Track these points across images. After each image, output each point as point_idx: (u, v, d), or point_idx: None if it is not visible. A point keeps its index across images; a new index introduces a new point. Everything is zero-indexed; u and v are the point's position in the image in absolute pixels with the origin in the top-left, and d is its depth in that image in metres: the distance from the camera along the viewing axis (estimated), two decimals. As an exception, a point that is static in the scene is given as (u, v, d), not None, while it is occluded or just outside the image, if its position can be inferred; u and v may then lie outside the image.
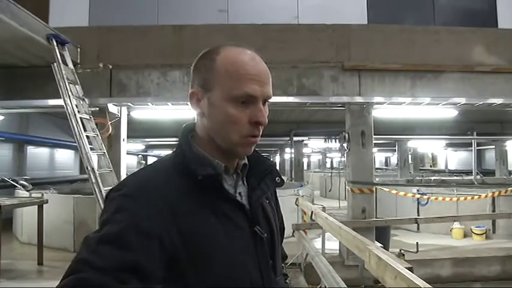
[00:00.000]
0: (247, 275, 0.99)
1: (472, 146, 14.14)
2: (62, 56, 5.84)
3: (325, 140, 12.93)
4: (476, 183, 12.66)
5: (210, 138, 1.03)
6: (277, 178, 1.16)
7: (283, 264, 1.38)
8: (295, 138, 14.12)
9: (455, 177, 16.52)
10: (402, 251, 5.32)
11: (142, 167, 1.11)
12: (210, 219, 0.96)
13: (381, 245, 6.57)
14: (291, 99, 6.92)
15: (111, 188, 0.99)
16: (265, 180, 1.12)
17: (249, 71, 0.99)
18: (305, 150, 19.42)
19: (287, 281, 1.36)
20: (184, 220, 0.92)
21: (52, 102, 6.61)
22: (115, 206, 0.89)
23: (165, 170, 1.01)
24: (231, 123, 0.99)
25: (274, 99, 7.02)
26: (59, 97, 5.67)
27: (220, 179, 1.00)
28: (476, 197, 9.15)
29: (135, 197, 0.90)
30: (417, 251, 7.33)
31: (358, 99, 6.93)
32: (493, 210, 9.08)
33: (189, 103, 1.06)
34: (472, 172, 14.60)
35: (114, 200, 0.91)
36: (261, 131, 1.03)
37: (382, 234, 7.37)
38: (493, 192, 9.17)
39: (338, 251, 7.26)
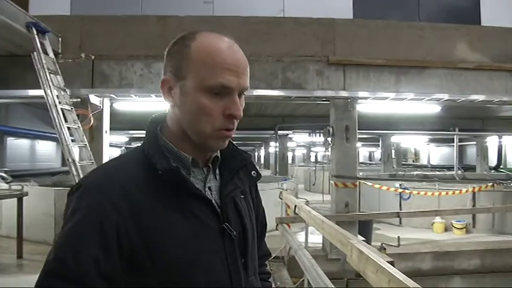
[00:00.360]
0: (213, 276, 0.94)
1: (454, 142, 14.35)
2: (42, 45, 5.68)
3: (310, 134, 12.97)
4: (457, 178, 12.87)
5: (181, 129, 0.98)
6: (253, 172, 1.10)
7: (266, 262, 1.34)
8: (279, 132, 14.13)
9: (437, 172, 16.78)
10: (384, 245, 5.36)
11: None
12: (172, 215, 0.92)
13: (363, 238, 6.64)
14: (275, 92, 6.90)
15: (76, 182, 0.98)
16: (238, 174, 1.07)
17: (225, 60, 0.93)
18: (290, 144, 19.45)
19: (269, 279, 1.32)
20: (143, 215, 0.89)
21: (32, 92, 6.47)
22: (74, 202, 0.90)
23: (129, 163, 0.98)
24: (203, 114, 0.93)
25: (259, 92, 7.03)
26: (39, 87, 5.52)
27: (181, 174, 0.94)
28: (457, 191, 9.32)
29: (92, 191, 0.89)
30: (398, 245, 7.42)
31: (343, 93, 6.94)
32: (474, 205, 9.26)
33: (160, 90, 0.99)
34: (453, 167, 14.83)
35: (73, 195, 0.91)
36: (236, 124, 0.98)
37: (364, 228, 7.44)
38: (474, 188, 9.33)
39: (321, 245, 7.30)
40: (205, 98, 0.93)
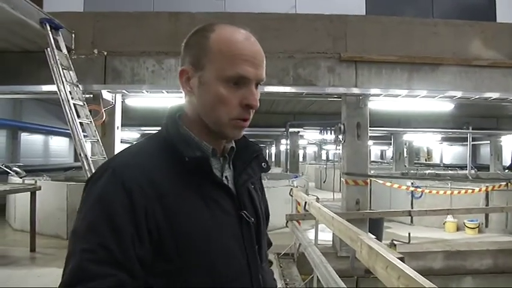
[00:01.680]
0: (233, 260, 0.97)
1: (467, 141, 14.17)
2: (56, 41, 5.76)
3: (321, 131, 12.91)
4: (470, 177, 12.69)
5: (199, 118, 1.00)
6: (263, 163, 1.13)
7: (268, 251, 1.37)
8: (290, 130, 14.10)
9: (449, 171, 16.59)
10: (394, 242, 5.32)
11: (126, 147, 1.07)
12: (195, 201, 0.94)
13: (374, 237, 6.59)
14: (287, 89, 6.88)
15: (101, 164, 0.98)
16: (251, 165, 1.10)
17: (243, 51, 0.95)
18: (301, 142, 19.41)
19: (270, 268, 1.36)
20: (168, 199, 0.90)
21: (45, 88, 6.54)
22: (102, 186, 0.89)
23: (151, 149, 0.99)
24: (221, 103, 0.96)
25: (270, 88, 7.00)
26: (52, 83, 5.61)
27: (209, 162, 0.97)
28: (470, 191, 9.18)
29: (121, 175, 0.89)
30: (409, 241, 7.36)
31: (355, 90, 6.90)
32: (487, 205, 9.12)
33: (179, 80, 1.01)
34: (466, 166, 14.65)
35: (101, 179, 0.90)
36: (251, 115, 1.00)
37: (375, 226, 7.38)
38: (487, 187, 9.20)
39: (331, 242, 7.27)
40: (223, 88, 0.95)
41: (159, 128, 1.05)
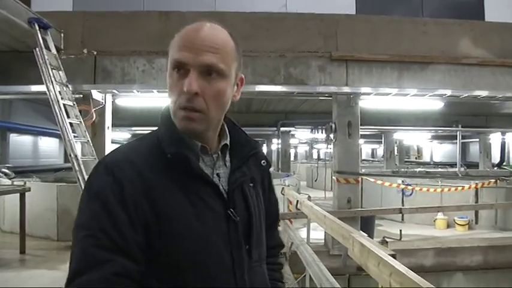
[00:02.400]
0: (215, 257, 0.97)
1: (457, 139, 14.29)
2: (45, 40, 5.70)
3: (312, 130, 12.93)
4: (460, 175, 12.81)
5: None
6: (262, 161, 1.13)
7: (278, 253, 1.35)
8: (282, 129, 14.10)
9: (439, 169, 16.72)
10: (385, 239, 5.35)
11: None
12: (180, 198, 0.95)
13: (365, 234, 6.63)
14: (278, 88, 6.89)
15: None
16: (248, 163, 1.09)
17: (183, 39, 0.97)
18: (292, 141, 19.42)
19: (280, 271, 1.33)
20: (156, 195, 0.93)
21: (35, 88, 6.48)
22: (95, 180, 0.95)
23: (143, 146, 1.02)
24: (170, 93, 0.98)
25: (261, 88, 7.01)
26: (41, 83, 5.54)
27: (188, 159, 0.97)
28: (460, 188, 9.26)
29: (112, 169, 0.93)
30: (400, 238, 7.40)
31: (346, 89, 6.93)
32: (476, 202, 9.22)
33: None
34: (456, 164, 14.78)
35: (95, 174, 0.96)
36: (201, 105, 0.95)
37: (367, 224, 7.42)
38: (476, 184, 9.29)
39: (323, 241, 7.29)
40: (170, 77, 0.98)
41: (150, 128, 1.07)
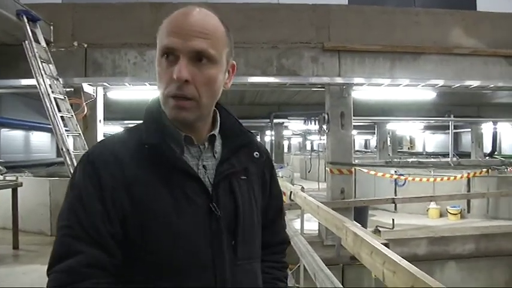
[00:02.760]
0: (194, 253, 0.93)
1: (449, 129, 14.38)
2: (34, 33, 5.62)
3: (305, 121, 12.94)
4: (452, 164, 12.91)
5: None
6: (255, 153, 1.07)
7: (283, 250, 1.26)
8: (275, 121, 14.09)
9: (432, 159, 16.83)
10: (378, 228, 5.39)
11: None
12: (161, 192, 0.93)
13: (359, 225, 6.67)
14: (270, 79, 6.86)
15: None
16: (238, 155, 1.04)
17: (172, 24, 0.93)
18: (285, 132, 19.44)
19: (285, 270, 1.25)
20: (135, 187, 0.92)
21: (25, 82, 6.40)
22: (77, 172, 0.95)
23: (127, 137, 1.00)
24: (159, 80, 0.95)
25: (254, 79, 6.98)
26: (31, 76, 5.48)
27: (165, 149, 0.94)
28: (452, 178, 9.35)
29: (93, 161, 0.94)
30: (393, 227, 7.46)
31: (338, 80, 6.92)
32: (468, 191, 9.31)
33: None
34: (448, 154, 14.88)
35: (79, 166, 0.96)
36: (192, 93, 0.92)
37: (360, 215, 7.47)
38: (468, 173, 9.38)
39: (317, 232, 7.33)
40: (159, 64, 0.94)
41: (141, 121, 1.04)
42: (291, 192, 5.66)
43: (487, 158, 16.19)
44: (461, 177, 9.31)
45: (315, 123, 11.03)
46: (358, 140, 35.29)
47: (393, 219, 7.55)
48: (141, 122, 1.03)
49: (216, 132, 1.04)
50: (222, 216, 0.97)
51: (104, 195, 0.90)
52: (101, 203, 0.89)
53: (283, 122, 15.30)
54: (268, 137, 18.78)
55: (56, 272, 0.86)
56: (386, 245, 2.01)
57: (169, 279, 0.91)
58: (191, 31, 0.91)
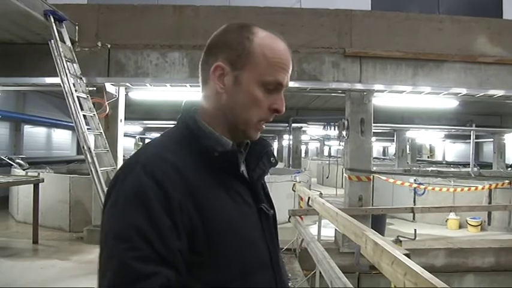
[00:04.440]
0: (257, 252, 0.99)
1: (470, 138, 14.11)
2: (60, 33, 5.74)
3: (324, 127, 12.88)
4: (473, 175, 12.66)
5: (222, 114, 1.00)
6: (272, 158, 1.15)
7: None
8: (293, 125, 14.05)
9: (452, 169, 16.53)
10: (399, 238, 5.30)
11: (143, 144, 1.05)
12: (222, 194, 0.96)
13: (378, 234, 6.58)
14: (291, 83, 6.78)
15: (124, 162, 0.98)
16: (263, 160, 1.11)
17: (283, 60, 1.00)
18: (303, 137, 19.36)
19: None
20: (198, 194, 0.91)
21: (49, 80, 6.53)
22: (133, 183, 0.87)
23: (173, 144, 0.97)
24: (255, 105, 0.99)
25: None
26: (56, 75, 5.60)
27: (237, 157, 1.00)
28: (473, 188, 9.14)
29: (152, 171, 0.88)
30: (415, 237, 7.32)
31: (359, 86, 6.87)
32: (489, 202, 9.09)
33: (211, 75, 0.99)
34: (469, 164, 14.59)
35: (130, 176, 0.89)
36: None
37: (377, 223, 7.36)
38: (490, 185, 9.15)
39: (333, 238, 7.26)
40: (259, 91, 0.98)
41: (161, 122, 1.04)
42: (309, 198, 5.62)
43: (509, 169, 15.83)
44: (483, 188, 9.10)
45: (334, 129, 10.98)
46: (376, 146, 34.95)
47: (415, 230, 7.40)
48: (175, 126, 1.03)
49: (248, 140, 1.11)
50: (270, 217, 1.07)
51: (171, 209, 0.85)
52: (170, 218, 0.85)
53: (301, 127, 15.24)
54: (286, 141, 18.75)
55: None
56: (407, 255, 1.98)
57: (238, 285, 0.93)
58: (289, 69, 1.02)
